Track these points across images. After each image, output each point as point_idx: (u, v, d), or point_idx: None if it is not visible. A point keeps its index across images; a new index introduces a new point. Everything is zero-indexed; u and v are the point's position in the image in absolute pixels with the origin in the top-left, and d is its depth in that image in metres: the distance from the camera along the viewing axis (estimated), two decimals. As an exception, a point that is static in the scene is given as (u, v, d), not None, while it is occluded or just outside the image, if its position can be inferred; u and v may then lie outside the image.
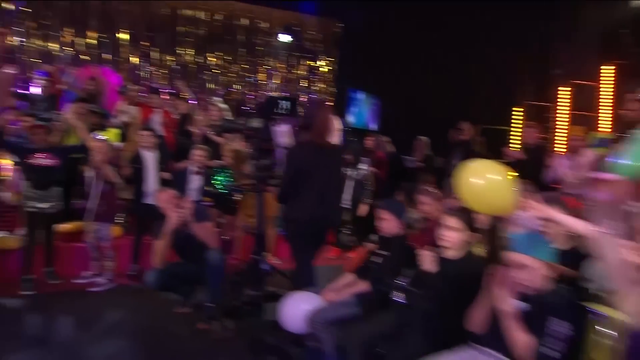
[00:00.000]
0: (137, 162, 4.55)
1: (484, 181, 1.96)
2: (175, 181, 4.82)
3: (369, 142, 6.41)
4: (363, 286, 2.49)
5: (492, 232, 2.26)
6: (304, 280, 3.00)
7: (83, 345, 3.14)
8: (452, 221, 2.10)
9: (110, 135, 4.12)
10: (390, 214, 2.56)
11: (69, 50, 7.26)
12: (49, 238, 4.24)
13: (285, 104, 3.29)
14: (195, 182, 4.97)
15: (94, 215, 4.07)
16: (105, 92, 6.12)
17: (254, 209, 5.05)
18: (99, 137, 4.07)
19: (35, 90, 5.61)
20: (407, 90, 8.31)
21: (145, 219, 4.62)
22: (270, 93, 8.76)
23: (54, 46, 7.16)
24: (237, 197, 5.26)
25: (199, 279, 3.37)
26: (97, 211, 4.07)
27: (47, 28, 7.03)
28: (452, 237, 2.09)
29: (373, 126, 8.28)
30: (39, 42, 7.02)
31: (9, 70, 5.33)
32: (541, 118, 6.75)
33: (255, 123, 3.39)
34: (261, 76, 8.79)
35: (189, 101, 5.95)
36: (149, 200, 4.57)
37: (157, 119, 5.70)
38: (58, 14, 7.09)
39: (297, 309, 2.53)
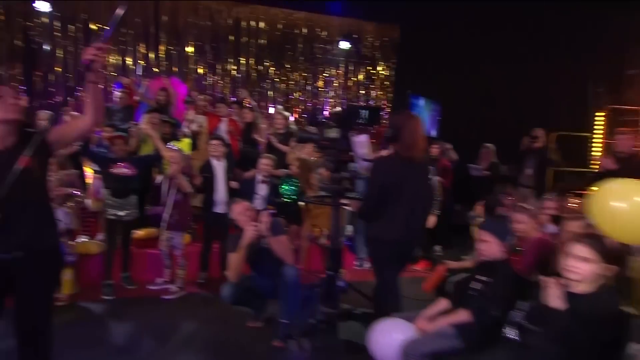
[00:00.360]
0: (207, 171, 4.51)
1: (630, 205, 1.61)
2: (243, 190, 4.75)
3: (434, 149, 6.05)
4: (463, 316, 2.19)
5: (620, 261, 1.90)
6: (387, 300, 2.74)
7: (161, 356, 3.08)
8: (583, 250, 1.76)
9: (183, 145, 4.09)
10: (493, 236, 2.25)
11: (141, 63, 7.47)
12: (126, 244, 4.29)
13: (364, 113, 3.07)
14: (261, 191, 4.87)
15: (167, 223, 4.04)
16: (174, 102, 6.21)
17: (319, 219, 4.92)
18: (173, 147, 4.05)
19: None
20: (471, 96, 7.83)
21: (214, 227, 4.58)
22: (327, 100, 8.62)
23: (128, 60, 7.40)
24: (303, 206, 5.12)
25: (273, 293, 3.22)
26: (170, 220, 4.04)
27: (123, 43, 7.28)
28: (583, 269, 1.76)
29: (433, 133, 7.88)
30: (116, 57, 7.29)
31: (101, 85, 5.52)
32: (627, 123, 6.08)
33: (333, 133, 3.18)
34: (320, 83, 8.63)
35: (254, 110, 5.87)
36: (219, 209, 4.54)
37: (223, 128, 5.69)
38: (133, 29, 7.33)
39: (388, 338, 2.28)
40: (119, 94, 5.72)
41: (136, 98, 5.98)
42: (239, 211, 3.21)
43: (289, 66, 8.31)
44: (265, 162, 4.78)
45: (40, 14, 6.82)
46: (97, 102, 1.96)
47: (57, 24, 7.00)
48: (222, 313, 3.64)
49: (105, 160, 4.07)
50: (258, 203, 4.86)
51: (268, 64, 8.19)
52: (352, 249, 5.43)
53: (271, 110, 6.52)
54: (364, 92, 8.79)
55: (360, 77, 8.75)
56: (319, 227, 4.91)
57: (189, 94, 6.98)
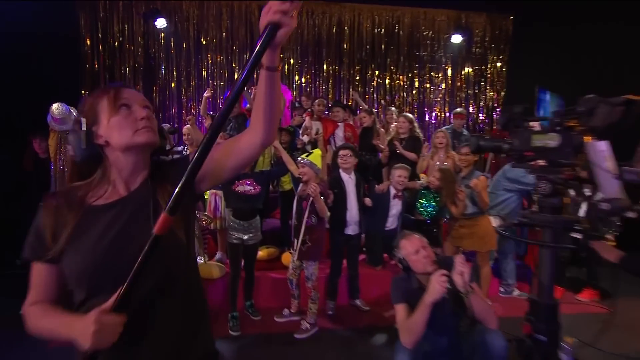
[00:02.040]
0: (335, 186, 3.51)
1: None
2: (377, 208, 3.68)
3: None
4: None
5: None
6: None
7: None
8: None
9: (314, 158, 3.12)
10: None
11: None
12: (250, 270, 3.44)
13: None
14: (395, 207, 3.77)
15: (298, 251, 3.10)
16: (282, 109, 5.36)
17: (465, 241, 3.66)
18: (304, 160, 3.10)
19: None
20: (598, 92, 6.01)
21: (345, 251, 3.58)
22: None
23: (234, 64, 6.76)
24: (442, 225, 3.93)
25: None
26: (302, 248, 3.09)
27: (230, 49, 6.64)
28: None
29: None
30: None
31: (206, 93, 4.86)
32: None
33: (552, 140, 1.94)
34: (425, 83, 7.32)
35: (372, 113, 4.78)
36: (350, 231, 3.52)
37: (340, 134, 4.69)
38: (238, 39, 6.67)
39: None
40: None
41: (248, 106, 5.22)
42: (414, 250, 2.13)
43: (393, 68, 7.10)
44: (399, 174, 3.68)
45: (158, 32, 6.40)
46: (274, 103, 0.97)
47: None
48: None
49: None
50: (391, 222, 3.77)
51: (372, 64, 7.05)
52: (497, 273, 4.12)
53: (393, 113, 5.34)
54: (474, 90, 7.28)
55: (469, 71, 7.26)
56: (465, 249, 3.68)
57: (295, 99, 6.13)
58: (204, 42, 6.53)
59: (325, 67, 6.95)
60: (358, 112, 5.41)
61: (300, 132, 4.50)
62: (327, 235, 3.42)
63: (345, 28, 6.89)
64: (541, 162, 1.96)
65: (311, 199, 2.96)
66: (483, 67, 7.20)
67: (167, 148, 1.08)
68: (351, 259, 3.62)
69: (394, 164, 4.07)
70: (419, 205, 3.76)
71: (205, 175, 1.01)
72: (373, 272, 3.93)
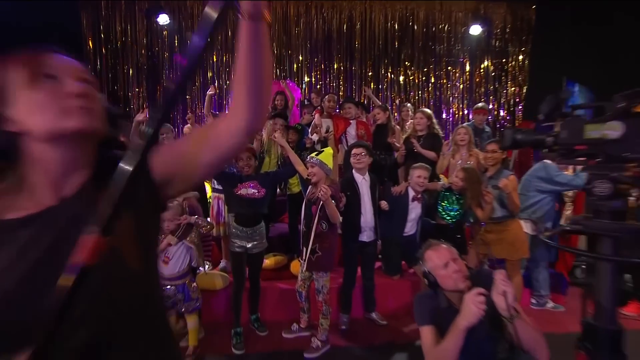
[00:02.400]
0: (348, 188, 3.22)
1: None
2: (394, 212, 3.38)
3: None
4: None
5: None
6: None
7: None
8: None
9: (325, 157, 2.84)
10: None
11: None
12: (255, 281, 3.18)
13: None
14: (414, 211, 3.46)
15: (307, 261, 2.82)
16: (291, 107, 5.09)
17: (495, 247, 3.32)
18: (314, 159, 2.82)
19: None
20: (633, 82, 5.59)
21: (359, 259, 3.29)
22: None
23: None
24: (468, 229, 3.60)
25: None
26: (311, 257, 2.81)
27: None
28: None
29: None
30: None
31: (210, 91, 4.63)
32: None
33: (613, 130, 1.62)
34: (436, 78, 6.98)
35: (386, 109, 4.49)
36: (364, 237, 3.23)
37: (352, 132, 4.41)
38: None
39: None
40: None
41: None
42: (442, 263, 1.82)
43: (408, 63, 6.79)
44: (419, 174, 3.37)
45: (161, 29, 6.23)
46: (263, 70, 0.69)
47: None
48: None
49: (232, 178, 2.99)
50: (409, 227, 3.47)
51: (385, 60, 6.76)
52: (527, 283, 3.77)
53: (409, 110, 5.05)
54: (492, 85, 6.91)
55: (488, 65, 6.89)
56: (493, 256, 3.35)
57: (304, 98, 5.88)
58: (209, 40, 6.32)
59: (335, 64, 6.68)
60: (371, 109, 5.13)
61: (310, 130, 4.23)
62: (339, 243, 3.13)
63: (357, 23, 6.61)
64: (590, 157, 1.64)
65: (321, 202, 2.68)
66: (504, 60, 6.84)
67: (120, 139, 0.80)
68: (366, 268, 3.32)
69: (411, 164, 3.76)
70: (440, 208, 3.45)
71: (171, 175, 0.74)
72: (390, 282, 3.62)
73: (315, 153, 2.87)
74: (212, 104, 4.87)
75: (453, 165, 3.88)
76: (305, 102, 5.44)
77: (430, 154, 4.03)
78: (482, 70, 6.88)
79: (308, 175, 2.87)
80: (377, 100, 5.48)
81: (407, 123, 5.08)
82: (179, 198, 2.97)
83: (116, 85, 6.09)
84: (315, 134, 4.15)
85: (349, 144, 4.18)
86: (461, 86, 6.86)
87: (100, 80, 6.02)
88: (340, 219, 2.93)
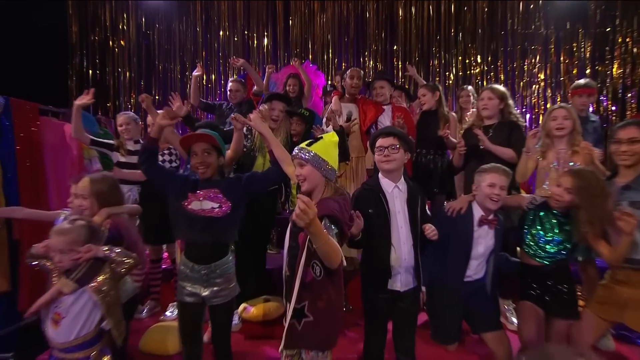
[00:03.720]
0: (369, 202, 2.04)
1: None
2: (451, 243, 2.16)
3: None
4: None
5: None
6: None
7: None
8: None
9: (323, 148, 1.72)
10: None
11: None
12: (221, 349, 2.08)
13: None
14: (482, 242, 2.21)
15: (286, 333, 1.67)
16: (309, 95, 4.04)
17: (623, 310, 1.95)
18: (302, 152, 1.70)
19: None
20: None
21: (390, 319, 2.09)
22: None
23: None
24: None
25: None
26: (294, 325, 1.66)
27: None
28: None
29: None
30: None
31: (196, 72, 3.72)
32: None
33: None
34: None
35: (435, 89, 3.28)
36: (398, 284, 2.03)
37: (386, 122, 3.24)
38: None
39: None
40: (234, 84, 3.76)
41: (256, 89, 4.00)
42: None
43: (469, 42, 5.47)
44: (492, 181, 2.15)
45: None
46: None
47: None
48: None
49: (178, 183, 1.98)
50: (475, 268, 2.23)
51: (436, 36, 5.51)
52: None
53: (470, 94, 3.84)
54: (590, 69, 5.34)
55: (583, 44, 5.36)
56: (629, 325, 1.99)
57: (328, 84, 4.82)
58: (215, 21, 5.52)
59: (372, 43, 5.53)
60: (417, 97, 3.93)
61: (324, 119, 3.13)
62: (354, 290, 1.96)
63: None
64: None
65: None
66: (607, 29, 5.21)
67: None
68: (402, 333, 2.12)
69: (475, 167, 2.54)
70: (529, 238, 2.16)
71: None
72: (443, 354, 2.38)
73: (308, 142, 1.77)
74: (198, 88, 3.96)
75: (544, 169, 2.60)
76: (328, 89, 4.37)
77: (507, 152, 2.76)
78: (574, 47, 5.36)
79: (298, 180, 1.77)
80: (422, 80, 4.26)
81: (468, 113, 3.84)
82: (87, 213, 1.99)
83: (106, 67, 5.42)
84: (338, 118, 3.05)
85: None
86: (540, 74, 5.38)
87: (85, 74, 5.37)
88: (359, 255, 1.77)
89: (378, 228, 2.01)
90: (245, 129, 2.98)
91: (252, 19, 5.56)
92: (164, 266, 3.26)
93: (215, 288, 1.98)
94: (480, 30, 5.47)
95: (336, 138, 1.84)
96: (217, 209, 1.96)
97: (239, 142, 2.56)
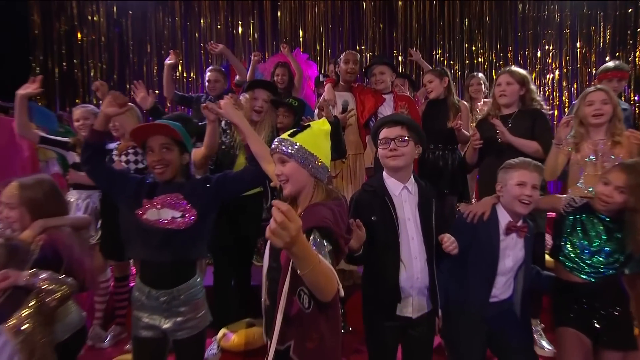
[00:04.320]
0: (371, 207, 1.68)
1: None
2: (473, 256, 1.80)
3: None
4: None
5: None
6: None
7: None
8: None
9: (310, 138, 1.37)
10: None
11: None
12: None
13: None
14: (509, 254, 1.85)
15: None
16: (299, 86, 3.68)
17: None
18: (282, 145, 1.34)
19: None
20: None
21: (399, 349, 1.72)
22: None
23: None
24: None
25: None
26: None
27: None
28: None
29: None
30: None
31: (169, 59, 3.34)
32: None
33: None
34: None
35: (443, 74, 2.93)
36: (409, 309, 1.68)
37: (387, 112, 2.88)
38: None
39: None
40: (212, 74, 3.40)
41: (238, 79, 3.64)
42: None
43: (475, 29, 5.14)
44: (521, 179, 1.80)
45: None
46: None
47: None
48: None
49: (132, 186, 1.62)
50: (502, 286, 1.87)
51: (440, 22, 5.18)
52: None
53: (481, 81, 3.51)
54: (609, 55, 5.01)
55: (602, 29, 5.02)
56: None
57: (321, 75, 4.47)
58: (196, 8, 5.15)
59: (369, 30, 5.18)
60: (422, 85, 3.57)
61: (315, 109, 2.77)
62: (354, 308, 1.59)
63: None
64: None
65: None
66: (629, 10, 4.88)
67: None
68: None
69: (491, 163, 2.16)
70: (569, 250, 1.80)
71: None
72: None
73: (291, 132, 1.41)
74: (173, 79, 3.58)
75: (578, 164, 2.25)
76: (321, 79, 4.01)
77: (530, 145, 2.42)
78: (592, 32, 5.03)
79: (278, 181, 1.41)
80: (427, 65, 3.90)
81: (479, 103, 3.50)
82: (16, 227, 1.62)
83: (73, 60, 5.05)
84: (332, 107, 2.69)
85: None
86: (554, 62, 5.05)
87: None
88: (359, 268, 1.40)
89: (383, 240, 1.65)
90: (224, 122, 2.63)
91: (236, 5, 5.20)
92: (132, 284, 2.89)
93: (179, 319, 1.61)
94: (487, 15, 5.13)
95: (328, 126, 1.48)
96: (179, 219, 1.59)
97: (212, 136, 2.20)
